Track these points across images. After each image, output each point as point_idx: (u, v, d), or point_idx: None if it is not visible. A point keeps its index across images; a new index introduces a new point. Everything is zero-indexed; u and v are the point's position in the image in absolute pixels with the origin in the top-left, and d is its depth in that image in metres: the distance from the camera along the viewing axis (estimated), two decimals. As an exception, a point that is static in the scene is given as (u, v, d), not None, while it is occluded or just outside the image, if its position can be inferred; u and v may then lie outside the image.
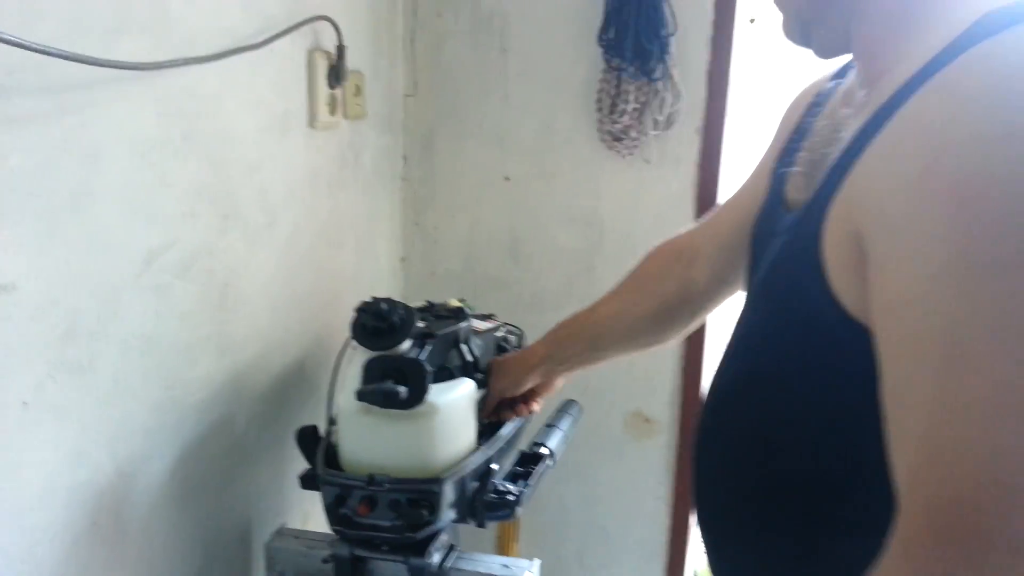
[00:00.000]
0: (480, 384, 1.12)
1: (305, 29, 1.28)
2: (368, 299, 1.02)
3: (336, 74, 1.37)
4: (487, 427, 1.14)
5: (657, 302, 1.06)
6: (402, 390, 0.96)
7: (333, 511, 1.00)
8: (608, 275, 1.71)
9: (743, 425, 0.73)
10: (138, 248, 0.99)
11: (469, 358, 1.13)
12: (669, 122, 1.59)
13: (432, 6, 1.70)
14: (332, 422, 1.09)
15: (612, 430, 1.78)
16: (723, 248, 0.96)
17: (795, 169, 0.75)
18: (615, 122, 1.59)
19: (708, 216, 1.05)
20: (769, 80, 1.73)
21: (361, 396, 0.96)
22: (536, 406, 1.21)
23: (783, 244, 0.69)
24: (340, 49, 1.37)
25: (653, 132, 1.59)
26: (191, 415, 1.12)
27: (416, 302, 1.16)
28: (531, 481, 1.10)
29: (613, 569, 1.86)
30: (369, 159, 1.61)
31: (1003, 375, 0.46)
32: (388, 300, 1.01)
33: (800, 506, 0.67)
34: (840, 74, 0.79)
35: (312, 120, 1.35)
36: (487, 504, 1.05)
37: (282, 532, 1.21)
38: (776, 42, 0.75)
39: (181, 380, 1.09)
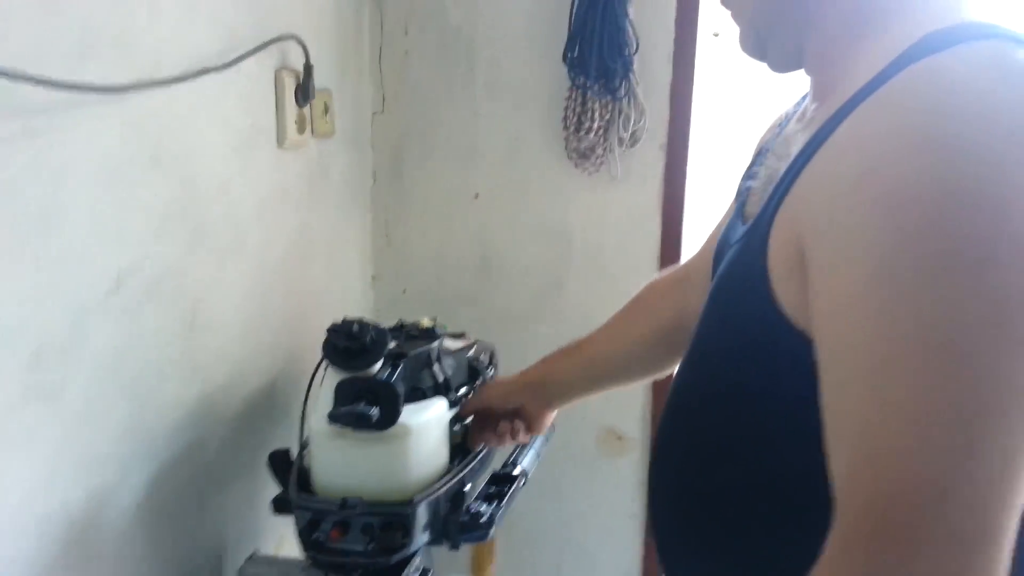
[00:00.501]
0: (452, 404, 1.12)
1: (272, 48, 1.28)
2: (340, 320, 1.01)
3: (304, 92, 1.37)
4: (460, 447, 1.14)
5: (654, 327, 1.05)
6: (374, 412, 0.95)
7: (306, 536, 0.99)
8: (577, 291, 1.74)
9: (695, 433, 0.74)
10: (107, 269, 0.98)
11: (441, 378, 1.13)
12: (634, 139, 1.60)
13: (399, 24, 1.70)
14: (304, 445, 1.08)
15: (585, 448, 1.79)
16: (708, 272, 0.98)
17: (753, 184, 0.77)
18: (581, 139, 1.60)
19: (703, 244, 1.06)
20: (735, 93, 1.76)
21: (333, 418, 0.96)
22: (523, 436, 1.14)
23: (734, 254, 0.71)
24: (307, 68, 1.37)
25: (619, 149, 1.61)
26: (162, 438, 1.10)
27: (388, 321, 1.16)
28: (504, 502, 1.10)
29: (588, 586, 1.86)
30: (338, 177, 1.60)
31: (931, 378, 0.48)
32: (360, 321, 1.01)
33: (750, 512, 0.68)
34: (804, 98, 0.81)
35: (281, 139, 1.35)
36: (461, 526, 1.04)
37: (255, 558, 1.20)
38: (739, 56, 0.77)
39: (151, 403, 1.07)
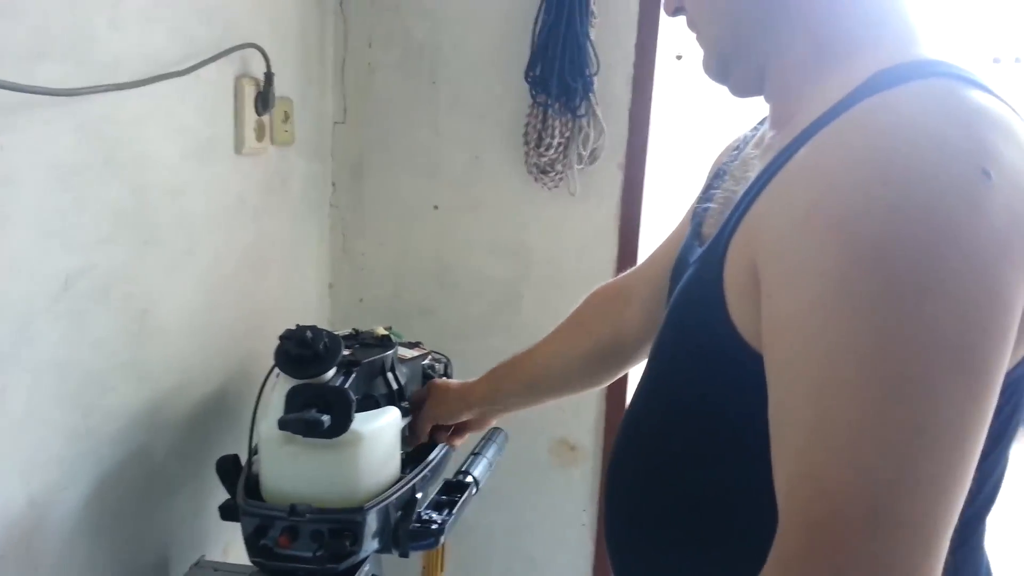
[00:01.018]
0: (405, 412, 1.12)
1: (233, 56, 1.28)
2: (293, 326, 1.01)
3: (264, 100, 1.37)
4: (412, 455, 1.14)
5: (592, 341, 1.08)
6: (325, 419, 0.95)
7: (253, 542, 0.98)
8: (534, 304, 1.75)
9: (649, 447, 0.76)
10: (55, 273, 0.97)
11: (395, 386, 1.13)
12: (593, 157, 1.63)
13: (363, 36, 1.71)
14: (254, 451, 1.08)
15: (537, 457, 1.80)
16: (655, 289, 0.98)
17: (711, 206, 0.79)
18: (541, 155, 1.63)
19: (646, 259, 1.09)
20: (698, 115, 1.79)
21: (283, 425, 0.95)
22: (459, 441, 1.22)
23: (691, 273, 0.73)
24: (268, 76, 1.37)
25: (578, 166, 1.63)
26: (108, 444, 1.09)
27: (342, 330, 1.16)
28: (455, 510, 1.11)
29: (538, 596, 1.86)
30: (297, 185, 1.60)
31: (868, 400, 0.50)
32: (313, 328, 1.01)
33: (702, 526, 0.70)
34: (762, 123, 0.84)
35: (239, 146, 1.35)
36: (410, 533, 1.05)
37: (201, 564, 1.19)
38: (701, 78, 0.79)
39: (98, 408, 1.06)
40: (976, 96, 0.56)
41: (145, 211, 1.13)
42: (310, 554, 0.96)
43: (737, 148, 0.84)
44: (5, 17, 0.86)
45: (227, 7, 1.28)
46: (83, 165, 1.00)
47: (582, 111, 1.59)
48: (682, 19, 0.77)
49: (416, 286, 1.80)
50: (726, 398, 0.66)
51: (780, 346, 0.56)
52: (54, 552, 1.01)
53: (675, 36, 1.66)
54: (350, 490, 1.01)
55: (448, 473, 1.21)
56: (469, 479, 1.19)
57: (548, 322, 1.15)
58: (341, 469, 1.01)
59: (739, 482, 0.66)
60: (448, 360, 1.35)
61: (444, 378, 1.26)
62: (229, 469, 1.09)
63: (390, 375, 1.14)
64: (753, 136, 0.82)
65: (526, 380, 1.13)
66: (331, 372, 1.01)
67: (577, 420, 1.77)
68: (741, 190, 0.69)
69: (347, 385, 1.00)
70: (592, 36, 1.56)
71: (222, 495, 1.08)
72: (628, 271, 1.11)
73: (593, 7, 1.55)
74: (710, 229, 0.76)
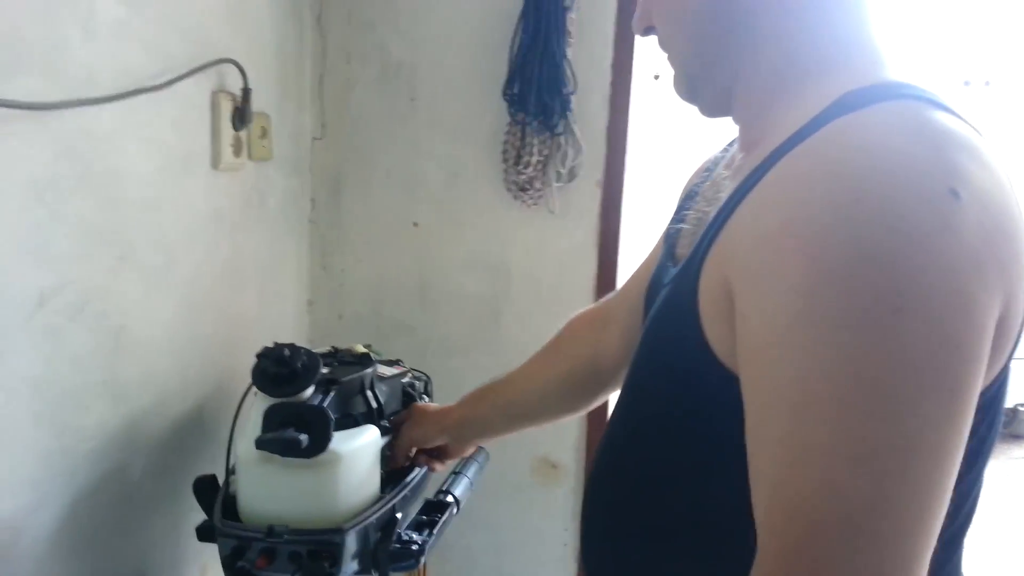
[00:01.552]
0: (384, 432, 1.11)
1: (210, 71, 1.28)
2: (270, 344, 1.00)
3: (241, 116, 1.37)
4: (392, 475, 1.13)
5: (569, 365, 1.08)
6: (303, 438, 0.94)
7: (230, 564, 0.97)
8: (514, 322, 1.75)
9: (627, 467, 0.76)
10: (29, 289, 0.96)
11: (374, 405, 1.12)
12: (572, 175, 1.64)
13: (341, 52, 1.71)
14: (231, 471, 1.06)
15: (519, 476, 1.79)
16: (632, 312, 0.98)
17: (683, 227, 0.80)
18: (520, 173, 1.63)
19: (624, 283, 1.09)
20: (675, 134, 1.81)
21: (260, 444, 0.94)
22: (440, 466, 1.20)
23: (666, 295, 0.73)
24: (245, 92, 1.36)
25: (557, 184, 1.64)
26: (83, 464, 1.07)
27: (321, 348, 1.15)
28: (436, 530, 1.10)
29: (518, 616, 1.85)
30: (275, 201, 1.59)
31: (844, 423, 0.50)
32: (291, 346, 1.00)
33: (679, 546, 0.70)
34: (732, 144, 0.85)
35: (216, 161, 1.34)
36: (391, 554, 1.03)
37: (175, 587, 1.17)
38: (677, 98, 0.79)
39: (73, 427, 1.04)
40: (942, 118, 0.57)
41: (121, 227, 1.11)
42: (288, 576, 0.95)
43: (708, 169, 0.85)
44: (-22, 31, 0.85)
45: (204, 22, 1.28)
46: (58, 180, 0.99)
47: (560, 129, 1.60)
48: (655, 39, 0.77)
49: (396, 303, 1.79)
50: (702, 418, 0.66)
51: (754, 367, 0.56)
52: (27, 573, 0.99)
53: (652, 56, 1.67)
54: (329, 510, 0.99)
55: (429, 493, 1.20)
56: (450, 499, 1.18)
57: (528, 339, 1.15)
58: (320, 489, 0.99)
59: (717, 501, 0.66)
60: (428, 378, 1.35)
61: (425, 401, 1.25)
62: (206, 490, 1.07)
63: (369, 393, 1.12)
64: (724, 157, 0.82)
65: (502, 404, 1.13)
66: (310, 391, 1.00)
67: (559, 439, 1.76)
68: (713, 211, 0.69)
69: (326, 404, 0.99)
70: (569, 55, 1.57)
71: (200, 515, 1.07)
72: (607, 296, 1.11)
73: (570, 27, 1.57)
74: (683, 250, 0.76)
